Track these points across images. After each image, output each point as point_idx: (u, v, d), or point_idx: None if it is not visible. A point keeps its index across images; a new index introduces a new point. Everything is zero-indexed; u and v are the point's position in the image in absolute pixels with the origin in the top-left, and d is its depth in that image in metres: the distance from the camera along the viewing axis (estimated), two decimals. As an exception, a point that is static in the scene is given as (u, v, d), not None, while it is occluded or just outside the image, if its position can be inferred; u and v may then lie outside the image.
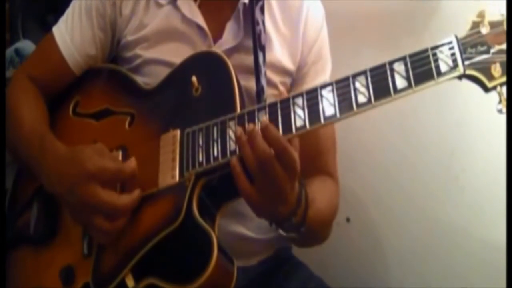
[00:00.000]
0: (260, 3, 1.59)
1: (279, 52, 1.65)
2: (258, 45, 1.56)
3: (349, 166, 1.81)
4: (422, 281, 2.13)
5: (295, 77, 1.70)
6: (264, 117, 1.30)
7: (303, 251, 1.84)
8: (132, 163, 1.41)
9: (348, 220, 2.30)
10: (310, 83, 1.67)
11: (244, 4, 1.59)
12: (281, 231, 1.44)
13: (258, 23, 1.57)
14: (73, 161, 1.38)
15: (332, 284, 1.80)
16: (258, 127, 1.27)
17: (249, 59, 1.58)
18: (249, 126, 1.27)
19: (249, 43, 1.58)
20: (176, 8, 1.60)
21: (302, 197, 1.36)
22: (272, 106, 1.31)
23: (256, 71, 1.55)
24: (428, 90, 1.86)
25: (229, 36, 1.61)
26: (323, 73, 1.72)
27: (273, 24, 1.65)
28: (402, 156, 2.18)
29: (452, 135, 2.08)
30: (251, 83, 1.56)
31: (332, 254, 2.22)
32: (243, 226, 1.66)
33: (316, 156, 1.64)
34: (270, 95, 1.56)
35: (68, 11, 1.69)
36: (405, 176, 2.18)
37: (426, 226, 2.13)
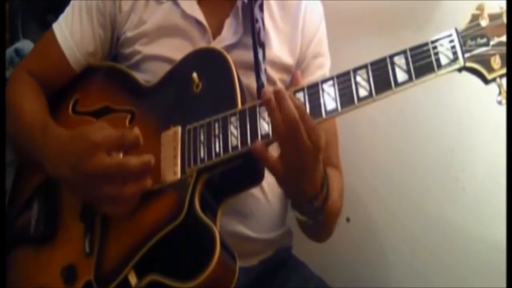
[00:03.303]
0: (259, 2, 1.61)
1: (278, 48, 1.66)
2: (258, 42, 1.57)
3: (349, 166, 1.81)
4: (422, 281, 2.13)
5: (294, 72, 1.69)
6: (265, 113, 1.30)
7: (303, 251, 1.85)
8: (135, 130, 1.38)
9: (348, 220, 2.30)
10: (308, 78, 1.69)
11: (243, 2, 1.61)
12: (298, 215, 1.45)
13: (257, 21, 1.58)
14: (76, 139, 1.38)
15: (332, 284, 1.80)
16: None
17: (248, 56, 1.59)
18: (276, 87, 1.29)
19: (248, 40, 1.59)
20: (176, 4, 1.62)
21: (325, 182, 1.37)
22: None
23: (256, 68, 1.56)
24: (429, 90, 1.88)
25: (229, 33, 1.62)
26: (322, 68, 1.74)
27: (272, 22, 1.67)
28: (402, 156, 2.18)
29: (452, 135, 2.08)
30: (250, 80, 1.57)
31: (332, 254, 2.21)
32: (244, 226, 1.65)
33: None
34: (269, 92, 1.56)
35: (68, 8, 1.70)
36: (405, 176, 2.18)
37: (426, 226, 2.13)
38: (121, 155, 1.37)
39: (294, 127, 1.24)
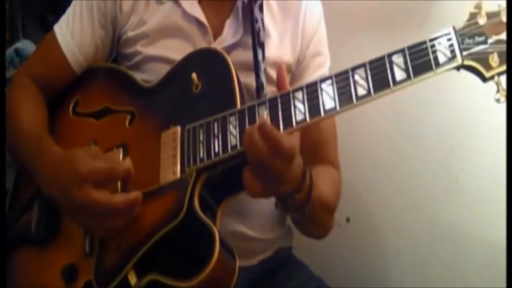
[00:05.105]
0: (259, 2, 1.61)
1: (278, 48, 1.67)
2: (257, 42, 1.57)
3: (349, 166, 1.81)
4: (422, 281, 2.14)
5: (294, 71, 1.72)
6: (264, 112, 1.31)
7: (303, 251, 1.85)
8: (126, 162, 1.42)
9: (348, 220, 2.31)
10: (308, 78, 1.69)
11: (243, 2, 1.61)
12: (284, 211, 1.48)
13: (257, 21, 1.58)
14: (66, 164, 1.39)
15: (332, 284, 1.80)
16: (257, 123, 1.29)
17: (248, 56, 1.59)
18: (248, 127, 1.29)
19: (249, 40, 1.60)
20: (177, 4, 1.62)
21: (306, 174, 1.37)
22: (272, 100, 1.32)
23: (256, 68, 1.56)
24: (428, 89, 1.89)
25: (229, 34, 1.62)
26: (321, 68, 1.74)
27: (272, 22, 1.68)
28: (402, 156, 2.19)
29: (452, 135, 2.08)
30: (250, 80, 1.57)
31: (332, 254, 2.22)
32: (244, 226, 1.66)
33: (317, 148, 1.65)
34: (269, 92, 1.56)
35: (69, 10, 1.71)
36: (405, 176, 2.18)
37: (426, 226, 2.14)
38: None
39: (262, 158, 1.25)
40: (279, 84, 1.38)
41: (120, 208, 1.35)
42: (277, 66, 1.41)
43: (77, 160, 1.37)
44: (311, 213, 1.44)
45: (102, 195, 1.34)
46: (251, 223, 1.67)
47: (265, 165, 1.26)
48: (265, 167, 1.26)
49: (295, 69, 1.72)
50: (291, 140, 1.27)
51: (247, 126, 1.32)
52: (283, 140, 1.25)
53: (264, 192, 1.31)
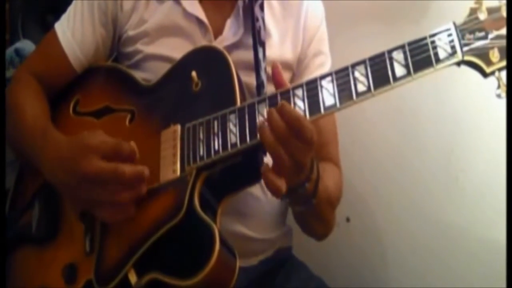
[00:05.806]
0: (259, 1, 1.62)
1: (279, 47, 1.68)
2: (258, 41, 1.57)
3: (349, 166, 1.81)
4: (422, 281, 2.14)
5: (295, 71, 1.72)
6: (264, 110, 1.31)
7: (303, 251, 1.85)
8: (132, 143, 1.40)
9: (348, 220, 2.31)
10: (309, 77, 1.67)
11: (244, 2, 1.62)
12: (292, 204, 1.47)
13: (257, 20, 1.59)
14: (73, 143, 1.38)
15: (332, 284, 1.80)
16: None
17: (249, 56, 1.59)
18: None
19: (249, 40, 1.60)
20: (178, 3, 1.63)
21: (314, 164, 1.37)
22: (272, 98, 1.32)
23: (256, 66, 1.56)
24: (428, 89, 1.89)
25: (230, 33, 1.63)
26: (322, 67, 1.74)
27: (273, 21, 1.68)
28: (402, 156, 2.19)
29: (451, 135, 2.09)
30: (251, 79, 1.57)
31: (332, 254, 2.22)
32: (244, 226, 1.65)
33: (319, 147, 1.64)
34: (270, 91, 1.54)
35: (71, 8, 1.71)
36: (405, 177, 2.19)
37: (426, 226, 2.14)
38: None
39: (285, 139, 1.23)
40: (277, 82, 1.37)
41: (127, 177, 1.33)
42: (273, 65, 1.39)
43: (83, 136, 1.37)
44: (316, 206, 1.44)
45: (109, 164, 1.32)
46: (251, 223, 1.67)
47: (287, 149, 1.23)
48: (288, 151, 1.24)
49: (296, 68, 1.72)
50: (310, 124, 1.25)
51: (246, 124, 1.32)
52: (305, 120, 1.24)
53: (287, 187, 1.27)
